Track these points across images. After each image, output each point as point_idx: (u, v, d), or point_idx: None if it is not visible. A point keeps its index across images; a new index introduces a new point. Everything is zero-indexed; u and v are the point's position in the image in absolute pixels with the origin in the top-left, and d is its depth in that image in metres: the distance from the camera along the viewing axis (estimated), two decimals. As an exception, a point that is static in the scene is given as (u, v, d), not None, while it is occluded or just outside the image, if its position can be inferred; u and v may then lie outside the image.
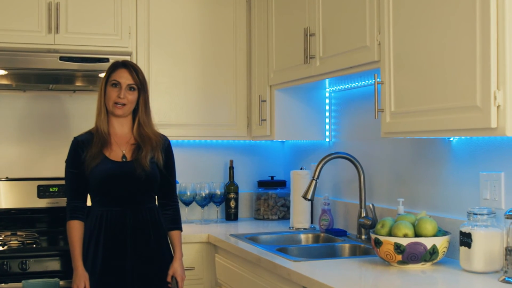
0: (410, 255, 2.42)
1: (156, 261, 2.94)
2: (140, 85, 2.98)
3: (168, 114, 3.85)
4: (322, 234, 3.48)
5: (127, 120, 3.01)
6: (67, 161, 2.97)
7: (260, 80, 3.84)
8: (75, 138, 2.99)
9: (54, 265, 3.26)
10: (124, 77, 2.95)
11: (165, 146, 3.05)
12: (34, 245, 3.33)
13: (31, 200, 3.80)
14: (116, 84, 2.94)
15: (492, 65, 2.02)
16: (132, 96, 2.96)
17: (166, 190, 3.06)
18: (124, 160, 2.94)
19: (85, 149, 2.92)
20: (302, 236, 3.52)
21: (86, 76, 3.71)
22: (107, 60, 3.60)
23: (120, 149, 2.96)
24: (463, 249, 2.37)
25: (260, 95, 3.80)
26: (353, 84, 3.43)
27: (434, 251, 2.42)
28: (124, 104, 2.94)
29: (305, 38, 3.17)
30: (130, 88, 2.95)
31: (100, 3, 3.71)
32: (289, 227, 3.73)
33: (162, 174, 3.01)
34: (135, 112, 3.01)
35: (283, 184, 4.21)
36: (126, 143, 2.98)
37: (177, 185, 3.29)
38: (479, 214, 2.35)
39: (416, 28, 2.38)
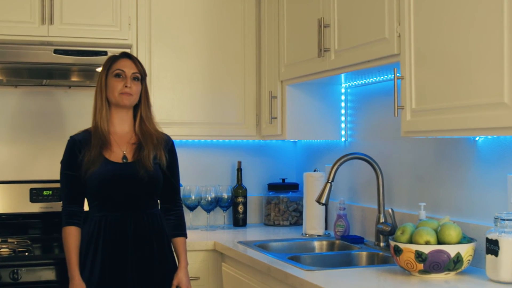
0: (433, 264, 2.44)
1: (159, 270, 2.96)
2: (144, 75, 3.02)
3: (171, 112, 3.86)
4: (337, 241, 3.50)
5: (128, 116, 3.03)
6: (62, 162, 2.99)
7: (270, 75, 3.86)
8: (71, 137, 3.00)
9: (48, 274, 3.28)
10: (128, 66, 2.98)
11: (169, 146, 3.07)
12: (27, 253, 3.34)
13: (23, 205, 3.81)
14: (120, 74, 2.96)
15: (521, 59, 2.04)
16: (136, 87, 2.98)
17: (169, 193, 3.08)
18: (125, 161, 2.96)
19: (82, 150, 2.93)
20: (316, 244, 3.54)
21: (82, 70, 3.72)
22: (105, 53, 3.61)
23: (120, 149, 2.99)
24: (489, 257, 2.39)
25: (271, 91, 3.82)
26: (371, 79, 3.45)
27: (458, 259, 2.44)
28: (130, 94, 2.97)
29: (319, 29, 3.19)
30: (135, 78, 2.98)
31: (98, -8, 3.73)
32: (302, 234, 3.75)
33: (165, 176, 3.03)
34: (135, 108, 3.04)
35: (295, 187, 4.23)
36: (127, 143, 3.00)
37: (181, 188, 3.31)
38: (507, 220, 2.35)
39: (439, 18, 2.40)
